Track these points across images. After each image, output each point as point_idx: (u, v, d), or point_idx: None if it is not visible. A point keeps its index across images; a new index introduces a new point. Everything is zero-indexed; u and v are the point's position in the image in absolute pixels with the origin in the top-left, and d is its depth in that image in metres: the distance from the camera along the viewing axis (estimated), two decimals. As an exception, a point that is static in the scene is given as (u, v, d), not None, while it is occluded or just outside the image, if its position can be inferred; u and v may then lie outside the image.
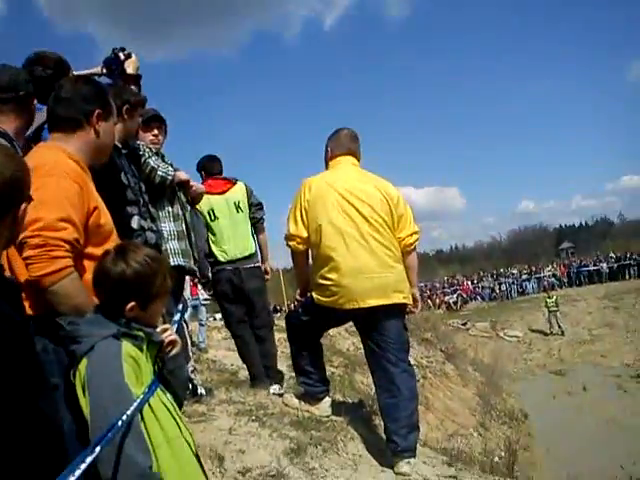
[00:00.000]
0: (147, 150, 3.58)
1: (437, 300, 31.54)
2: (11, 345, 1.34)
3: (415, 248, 3.88)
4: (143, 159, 3.45)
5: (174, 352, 1.91)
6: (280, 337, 6.08)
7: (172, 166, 3.73)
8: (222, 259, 4.70)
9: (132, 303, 1.78)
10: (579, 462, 8.30)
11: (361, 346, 9.13)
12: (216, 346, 8.61)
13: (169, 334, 1.90)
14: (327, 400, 4.03)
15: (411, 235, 3.78)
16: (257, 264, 4.90)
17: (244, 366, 5.46)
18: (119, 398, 1.60)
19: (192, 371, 4.16)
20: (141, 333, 1.77)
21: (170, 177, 3.61)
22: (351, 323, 5.33)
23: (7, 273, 1.68)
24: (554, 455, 9.89)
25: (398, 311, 3.69)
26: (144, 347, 1.77)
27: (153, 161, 3.53)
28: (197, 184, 4.06)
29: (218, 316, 13.01)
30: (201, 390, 4.10)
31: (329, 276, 3.59)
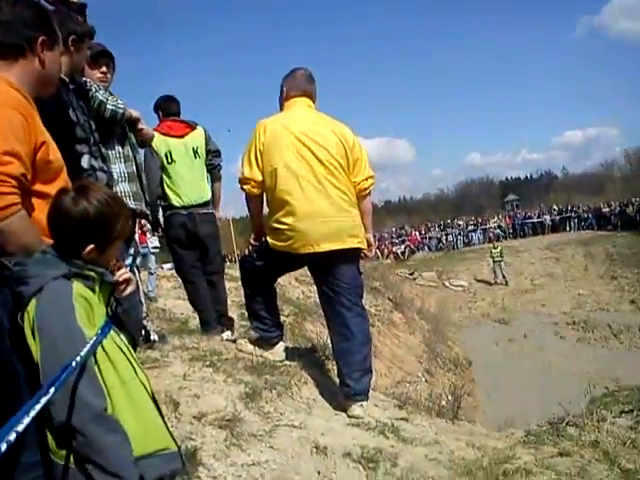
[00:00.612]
0: (94, 86, 3.36)
1: (385, 250, 31.90)
2: None
3: (370, 193, 3.84)
4: (90, 93, 3.23)
5: (128, 291, 1.82)
6: (230, 286, 6.04)
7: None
8: (177, 204, 4.58)
9: (91, 246, 1.67)
10: (518, 405, 8.70)
11: (311, 294, 9.28)
12: (165, 295, 8.50)
13: (123, 272, 1.81)
14: (281, 345, 4.02)
15: (366, 179, 3.73)
16: (211, 210, 4.79)
17: (194, 315, 5.42)
18: (71, 339, 1.52)
19: (144, 317, 4.07)
20: (93, 273, 1.67)
21: (121, 111, 3.41)
22: (301, 271, 5.33)
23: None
24: (495, 399, 10.38)
25: (353, 255, 3.66)
26: (96, 288, 1.68)
27: (101, 94, 3.31)
28: (147, 127, 3.87)
29: (166, 265, 12.82)
30: (154, 336, 4.03)
31: (284, 220, 3.52)
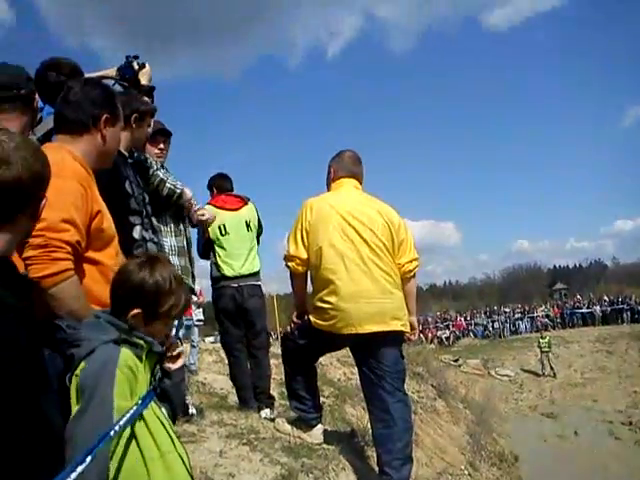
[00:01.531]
0: (155, 162, 3.57)
1: (429, 334, 31.31)
2: (24, 344, 1.30)
3: (414, 275, 3.84)
4: (152, 170, 3.45)
5: (178, 364, 1.86)
6: (271, 362, 6.00)
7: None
8: (228, 274, 4.69)
9: (136, 311, 1.73)
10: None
11: (352, 377, 9.08)
12: (206, 369, 8.46)
13: (175, 346, 1.86)
14: (319, 427, 3.94)
15: (411, 261, 3.74)
16: (259, 282, 4.88)
17: (233, 391, 5.38)
18: (101, 408, 1.54)
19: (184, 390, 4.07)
20: (142, 342, 1.71)
21: (178, 191, 3.62)
22: (343, 352, 5.27)
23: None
24: (544, 501, 9.73)
25: (396, 338, 3.63)
26: (143, 356, 1.72)
27: (162, 173, 3.53)
28: (207, 211, 4.06)
29: (208, 339, 12.86)
30: (192, 410, 4.02)
31: (328, 299, 3.54)
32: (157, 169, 3.50)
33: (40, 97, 2.98)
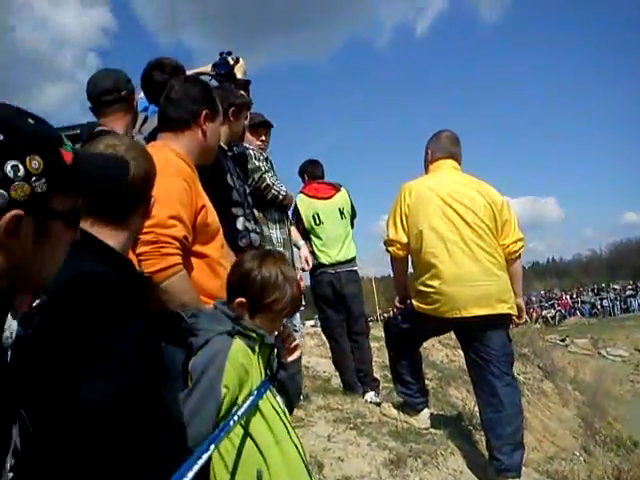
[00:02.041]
0: (262, 162, 3.65)
1: (534, 314, 30.13)
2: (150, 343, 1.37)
3: (520, 256, 3.70)
4: (259, 174, 3.54)
5: (295, 356, 1.91)
6: (373, 346, 6.00)
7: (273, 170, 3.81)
8: (325, 262, 4.73)
9: (242, 299, 1.79)
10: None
11: (455, 358, 8.93)
12: (309, 352, 8.61)
13: (292, 338, 1.91)
14: (426, 412, 3.92)
15: (516, 242, 3.61)
16: (355, 268, 4.90)
17: (336, 374, 5.44)
18: (209, 397, 1.62)
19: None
20: (254, 334, 1.76)
21: (281, 197, 3.71)
22: (445, 334, 5.17)
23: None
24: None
25: (502, 321, 3.52)
26: (256, 348, 1.77)
27: (269, 177, 3.59)
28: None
29: (309, 322, 13.07)
30: (299, 394, 4.11)
31: (430, 283, 3.48)
32: (265, 172, 3.58)
33: (146, 96, 3.13)
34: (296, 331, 9.30)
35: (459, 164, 3.82)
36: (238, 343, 1.71)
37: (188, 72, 3.31)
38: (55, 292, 1.26)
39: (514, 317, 3.64)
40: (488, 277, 3.45)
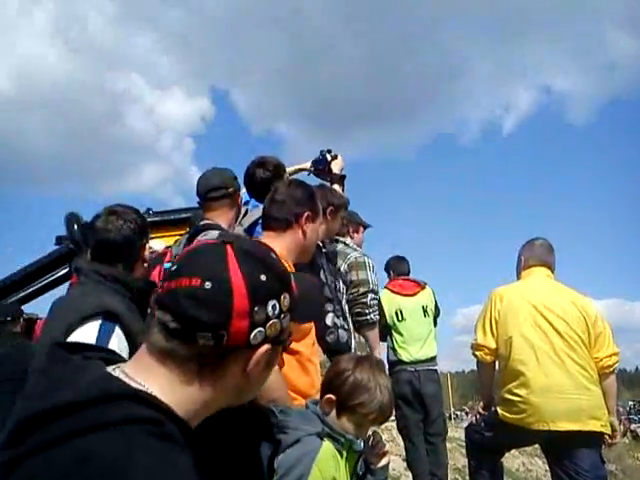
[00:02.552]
0: (374, 273, 3.68)
1: (621, 427, 27.99)
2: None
3: (614, 371, 3.55)
4: (365, 290, 3.53)
5: (384, 462, 1.91)
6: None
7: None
8: (405, 359, 4.71)
9: (331, 396, 1.82)
10: None
11: (532, 468, 8.41)
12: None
13: (382, 445, 1.91)
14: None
15: (610, 356, 3.47)
16: (435, 367, 4.84)
17: (407, 472, 5.27)
18: None
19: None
20: (342, 439, 1.78)
21: (371, 321, 3.62)
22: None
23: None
24: None
25: (594, 440, 3.34)
26: (344, 452, 1.79)
27: (370, 299, 3.58)
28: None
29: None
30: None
31: (517, 392, 3.39)
32: (370, 290, 3.54)
33: (248, 192, 3.34)
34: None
35: (552, 272, 3.78)
36: (327, 446, 1.74)
37: (288, 168, 3.52)
38: None
39: (607, 437, 3.44)
40: (579, 390, 3.32)
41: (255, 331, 0.96)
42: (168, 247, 3.71)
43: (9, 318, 4.42)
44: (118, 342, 2.05)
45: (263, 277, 0.98)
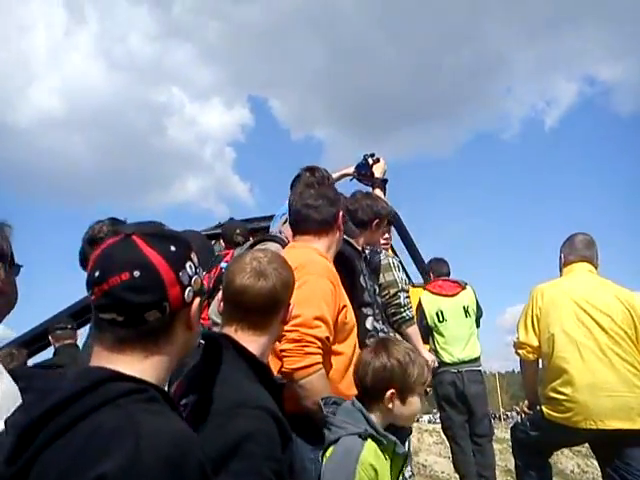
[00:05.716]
0: (402, 273, 3.63)
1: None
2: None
3: (665, 367, 3.43)
4: (396, 290, 3.50)
5: None
6: (495, 448, 5.68)
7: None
8: (448, 360, 4.68)
9: (391, 390, 1.85)
10: None
11: (588, 469, 8.19)
12: (427, 450, 8.30)
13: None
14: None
15: (659, 351, 3.36)
16: (479, 367, 4.78)
17: (456, 475, 5.21)
18: None
19: (409, 476, 4.05)
20: (385, 441, 1.79)
21: (407, 318, 3.57)
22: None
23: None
24: None
25: (645, 439, 3.24)
26: (388, 455, 1.80)
27: (403, 297, 3.55)
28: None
29: (425, 417, 12.62)
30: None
31: (562, 390, 3.31)
32: (401, 289, 3.51)
33: None
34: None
35: (595, 267, 3.68)
36: (370, 447, 1.75)
37: (334, 174, 3.55)
38: (213, 408, 1.42)
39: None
40: (627, 387, 3.22)
41: (186, 291, 1.14)
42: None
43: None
44: None
45: (173, 248, 1.14)
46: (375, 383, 1.87)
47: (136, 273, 1.08)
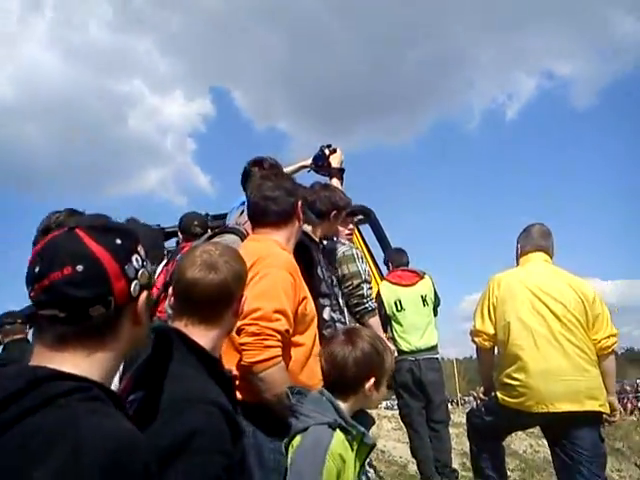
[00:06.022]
0: (364, 264, 3.64)
1: (628, 405, 27.99)
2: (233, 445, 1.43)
3: (612, 351, 3.56)
4: (359, 281, 3.53)
5: None
6: (452, 432, 5.80)
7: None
8: (405, 349, 4.74)
9: (371, 380, 1.87)
10: None
11: (539, 449, 8.43)
12: (385, 436, 8.39)
13: None
14: (508, 508, 3.73)
15: (608, 337, 3.48)
16: (436, 355, 4.87)
17: (413, 460, 5.31)
18: None
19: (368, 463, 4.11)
20: (354, 431, 1.80)
21: (369, 309, 3.61)
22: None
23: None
24: None
25: (593, 420, 3.36)
26: (354, 445, 1.81)
27: (366, 288, 3.60)
28: None
29: (383, 404, 12.79)
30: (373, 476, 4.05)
31: (516, 376, 3.41)
32: (363, 280, 3.52)
33: (245, 191, 3.34)
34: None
35: (550, 257, 3.78)
36: (338, 437, 1.76)
37: (290, 167, 3.56)
38: (163, 404, 1.38)
39: (606, 416, 3.46)
40: (577, 372, 3.34)
41: (133, 285, 1.12)
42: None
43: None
44: None
45: (118, 240, 1.12)
46: (358, 373, 1.87)
47: (79, 267, 1.05)
